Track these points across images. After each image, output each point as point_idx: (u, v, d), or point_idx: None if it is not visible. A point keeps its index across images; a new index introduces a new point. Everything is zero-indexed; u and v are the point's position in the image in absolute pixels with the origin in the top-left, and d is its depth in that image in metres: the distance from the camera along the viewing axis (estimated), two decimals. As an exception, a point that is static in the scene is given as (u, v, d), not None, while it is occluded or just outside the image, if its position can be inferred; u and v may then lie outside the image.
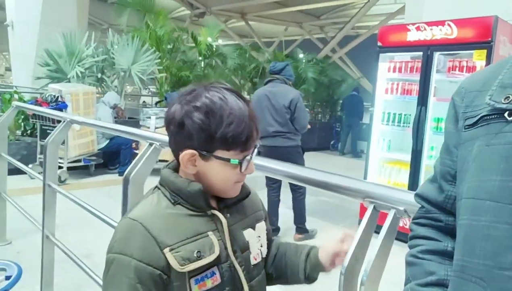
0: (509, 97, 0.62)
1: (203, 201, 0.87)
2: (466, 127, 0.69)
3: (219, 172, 0.87)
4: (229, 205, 0.94)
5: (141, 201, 0.92)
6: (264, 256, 1.00)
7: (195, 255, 0.83)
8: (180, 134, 0.85)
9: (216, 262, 0.87)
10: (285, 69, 3.86)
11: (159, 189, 0.91)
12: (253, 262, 0.95)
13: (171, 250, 0.82)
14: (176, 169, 0.92)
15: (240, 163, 0.87)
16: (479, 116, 0.66)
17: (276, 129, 3.73)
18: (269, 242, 1.06)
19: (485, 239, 0.60)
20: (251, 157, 0.89)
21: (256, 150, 0.91)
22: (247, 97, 0.95)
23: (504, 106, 0.62)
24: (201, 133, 0.83)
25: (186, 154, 0.85)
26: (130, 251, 0.81)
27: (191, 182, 0.87)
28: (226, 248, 0.89)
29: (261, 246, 0.99)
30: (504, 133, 0.61)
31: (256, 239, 0.97)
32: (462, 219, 0.65)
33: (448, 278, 0.68)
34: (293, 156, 3.71)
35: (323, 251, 1.00)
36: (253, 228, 0.98)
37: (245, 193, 0.97)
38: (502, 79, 0.65)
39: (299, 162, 3.79)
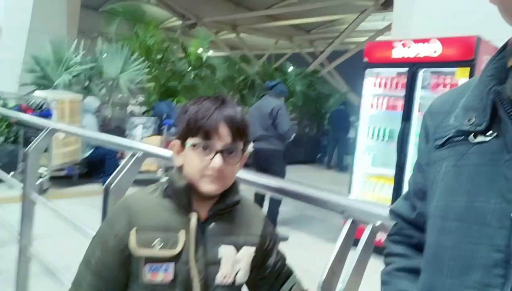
0: (471, 119, 0.63)
1: (185, 198, 0.92)
2: (436, 147, 0.70)
3: (188, 159, 0.93)
4: (218, 214, 0.95)
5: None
6: (241, 282, 0.96)
7: (154, 243, 0.89)
8: None
9: (174, 260, 0.89)
10: (276, 86, 4.55)
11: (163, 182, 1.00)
12: (219, 280, 0.93)
13: (137, 230, 0.91)
14: None
15: (193, 146, 0.91)
16: (446, 137, 0.67)
17: (261, 133, 4.30)
18: (285, 276, 1.06)
19: (453, 258, 0.60)
20: (217, 152, 0.90)
21: (239, 154, 0.94)
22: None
23: (467, 128, 0.63)
24: (178, 124, 0.97)
25: (171, 145, 0.98)
26: (111, 222, 0.96)
27: (182, 179, 0.93)
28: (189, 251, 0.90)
29: (239, 270, 0.95)
30: (470, 154, 0.62)
31: (234, 260, 0.94)
32: (430, 238, 0.66)
33: None
34: (274, 158, 4.29)
35: None
36: (238, 248, 0.95)
37: (232, 200, 0.96)
38: (465, 102, 0.67)
39: (279, 165, 4.32)
